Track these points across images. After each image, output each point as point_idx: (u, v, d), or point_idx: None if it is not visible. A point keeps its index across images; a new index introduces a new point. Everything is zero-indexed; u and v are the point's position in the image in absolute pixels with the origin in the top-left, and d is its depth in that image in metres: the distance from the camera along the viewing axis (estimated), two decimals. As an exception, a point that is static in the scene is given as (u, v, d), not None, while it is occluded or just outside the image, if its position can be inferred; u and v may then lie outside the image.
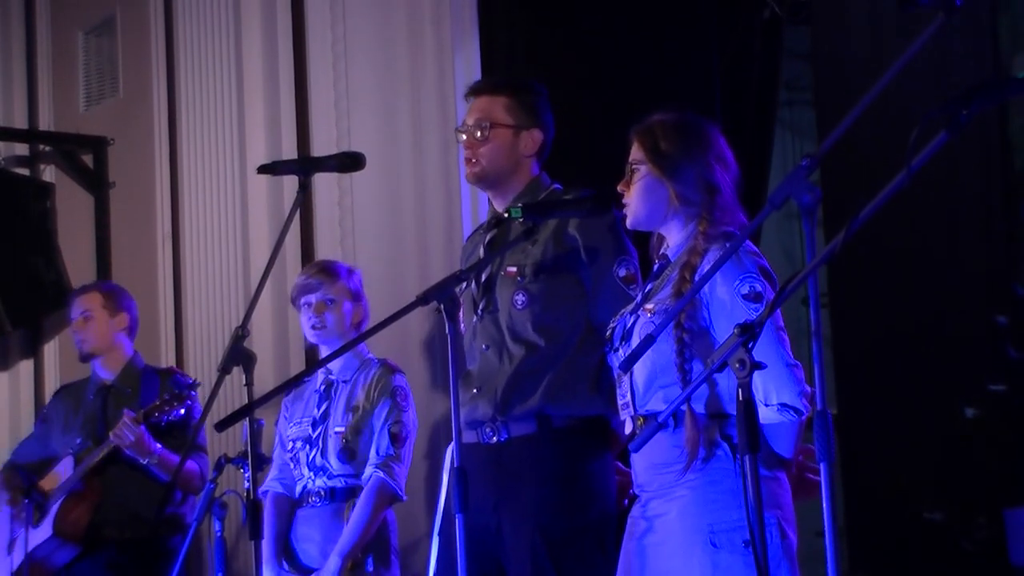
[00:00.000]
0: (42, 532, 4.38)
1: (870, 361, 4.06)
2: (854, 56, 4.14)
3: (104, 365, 4.63)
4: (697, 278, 2.64)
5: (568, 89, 4.27)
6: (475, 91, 3.40)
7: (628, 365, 2.49)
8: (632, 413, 2.73)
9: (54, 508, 4.39)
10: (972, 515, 3.70)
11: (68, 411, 4.64)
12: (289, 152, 4.98)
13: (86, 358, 4.63)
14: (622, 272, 3.17)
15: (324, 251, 4.88)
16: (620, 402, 2.78)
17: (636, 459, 2.74)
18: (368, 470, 3.80)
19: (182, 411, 4.18)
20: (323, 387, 3.97)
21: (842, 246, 2.06)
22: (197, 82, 5.31)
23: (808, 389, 2.61)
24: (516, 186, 3.32)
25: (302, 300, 3.98)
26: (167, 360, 5.23)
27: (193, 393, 4.23)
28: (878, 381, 4.03)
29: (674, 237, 2.80)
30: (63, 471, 4.49)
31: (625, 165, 2.80)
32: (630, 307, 2.84)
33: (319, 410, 3.92)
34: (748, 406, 2.09)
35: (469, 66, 4.65)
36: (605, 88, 4.44)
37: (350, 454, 3.83)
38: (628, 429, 2.77)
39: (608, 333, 2.86)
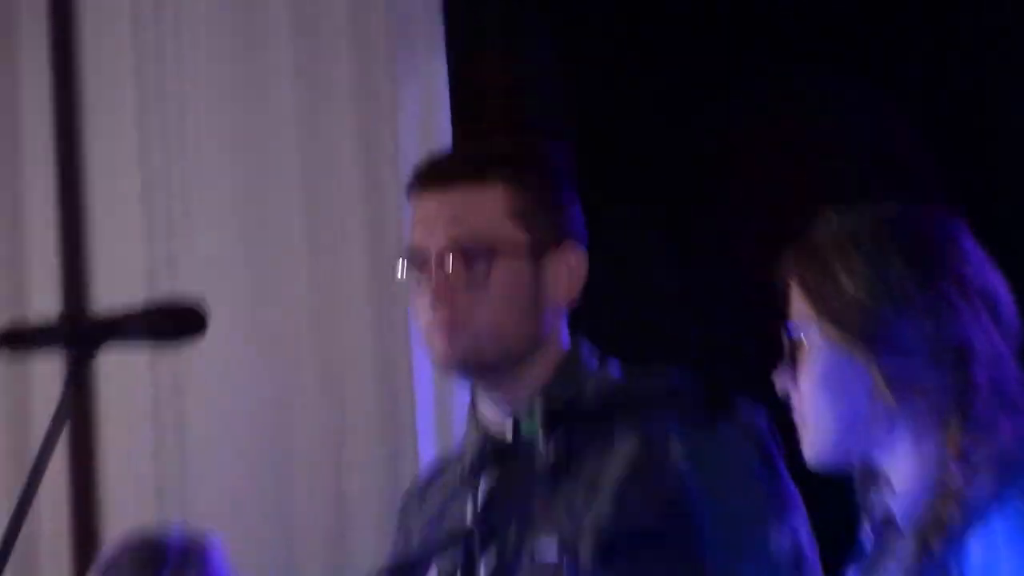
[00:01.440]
0: None
1: None
2: None
3: None
4: (956, 549, 2.31)
5: (613, 141, 3.89)
6: (440, 175, 2.92)
7: None
8: None
9: None
10: None
11: None
12: (43, 304, 4.52)
13: None
14: (785, 542, 2.91)
15: (120, 519, 4.35)
16: None
17: None
18: None
19: None
20: None
21: None
22: None
23: None
24: (537, 369, 2.93)
25: None
26: None
27: None
28: None
29: (899, 468, 2.45)
30: None
31: (781, 328, 2.46)
32: None
33: None
34: None
35: (430, 112, 4.12)
36: (690, 134, 3.99)
37: None
38: None
39: None
